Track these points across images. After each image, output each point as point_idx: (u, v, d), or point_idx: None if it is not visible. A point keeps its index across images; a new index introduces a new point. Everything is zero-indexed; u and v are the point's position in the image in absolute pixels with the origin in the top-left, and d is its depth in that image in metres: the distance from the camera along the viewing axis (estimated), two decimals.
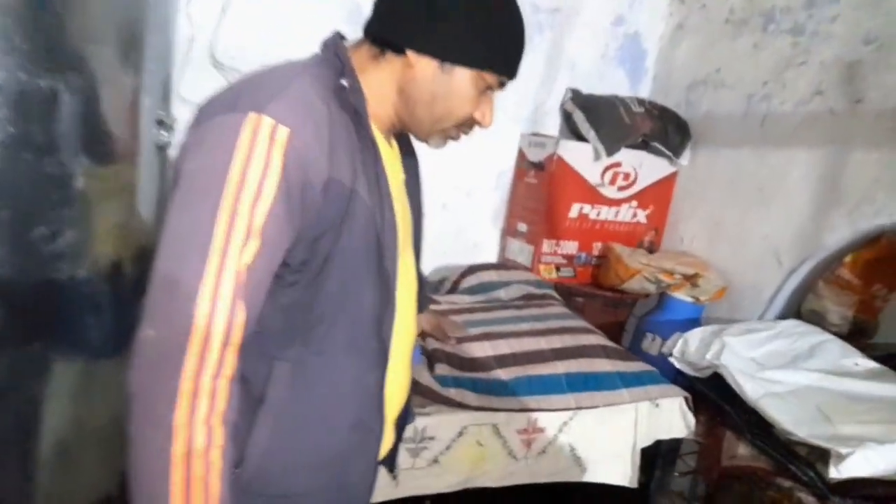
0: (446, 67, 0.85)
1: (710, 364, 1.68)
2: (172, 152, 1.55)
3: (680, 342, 1.83)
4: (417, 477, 1.43)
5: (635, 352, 2.18)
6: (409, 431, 1.38)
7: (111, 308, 1.37)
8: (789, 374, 1.62)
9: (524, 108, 2.56)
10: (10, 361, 1.22)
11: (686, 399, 1.69)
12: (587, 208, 2.45)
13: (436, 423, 1.44)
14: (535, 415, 1.52)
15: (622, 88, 2.68)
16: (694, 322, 2.11)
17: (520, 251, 2.54)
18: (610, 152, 2.33)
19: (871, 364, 1.68)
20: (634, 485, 1.65)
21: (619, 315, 2.48)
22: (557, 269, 2.47)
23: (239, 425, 0.77)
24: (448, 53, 0.84)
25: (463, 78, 0.86)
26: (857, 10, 1.86)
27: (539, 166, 2.44)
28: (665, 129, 2.39)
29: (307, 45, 0.91)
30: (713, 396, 1.67)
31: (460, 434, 1.46)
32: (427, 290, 1.64)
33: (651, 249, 2.57)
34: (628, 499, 1.72)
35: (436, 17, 0.82)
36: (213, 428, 0.72)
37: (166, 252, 0.72)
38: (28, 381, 1.27)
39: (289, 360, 0.84)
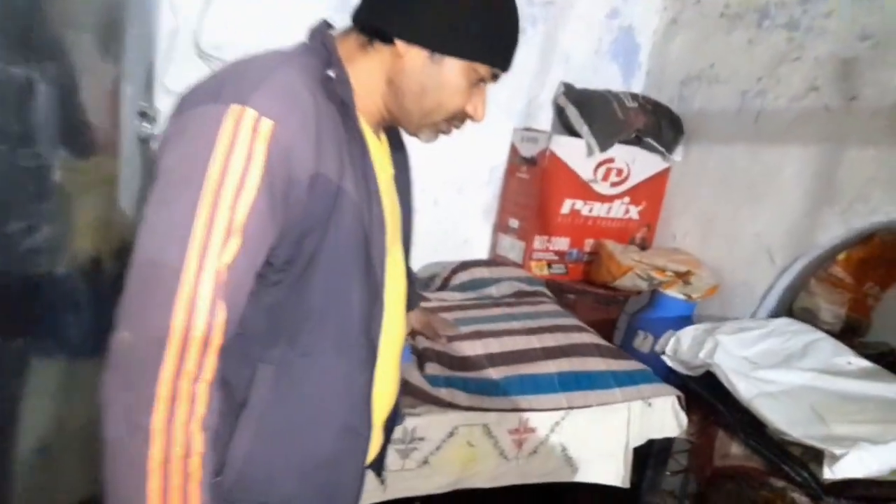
0: (436, 58, 0.81)
1: (703, 363, 1.67)
2: (156, 144, 1.50)
3: (672, 340, 1.81)
4: (406, 478, 1.40)
5: (627, 349, 2.16)
6: (398, 432, 1.36)
7: (91, 305, 1.34)
8: (782, 373, 1.61)
9: (517, 102, 2.54)
10: None
11: (679, 398, 1.67)
12: (579, 204, 2.42)
13: (426, 424, 1.41)
14: (526, 414, 1.50)
15: (615, 83, 2.65)
16: (686, 320, 2.10)
17: (511, 247, 2.51)
18: (603, 148, 2.31)
19: (864, 363, 1.67)
20: (627, 485, 1.64)
21: (610, 312, 2.46)
22: (549, 265, 2.45)
23: (220, 431, 0.74)
24: (438, 43, 0.81)
25: (454, 69, 0.82)
26: (853, 6, 1.84)
27: (531, 161, 2.41)
28: (658, 125, 2.37)
29: (295, 36, 0.88)
30: (706, 395, 1.66)
31: (451, 434, 1.43)
32: (417, 286, 1.61)
33: (643, 246, 2.56)
34: (619, 498, 1.70)
35: (426, 6, 0.79)
36: (193, 434, 0.69)
37: (143, 250, 0.69)
38: (5, 380, 1.23)
39: (273, 362, 0.81)
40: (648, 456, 1.74)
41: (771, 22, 2.11)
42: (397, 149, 1.02)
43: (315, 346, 0.82)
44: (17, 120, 1.13)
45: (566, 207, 2.40)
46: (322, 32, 0.84)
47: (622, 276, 2.26)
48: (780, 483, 1.44)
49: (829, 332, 1.83)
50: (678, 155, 2.45)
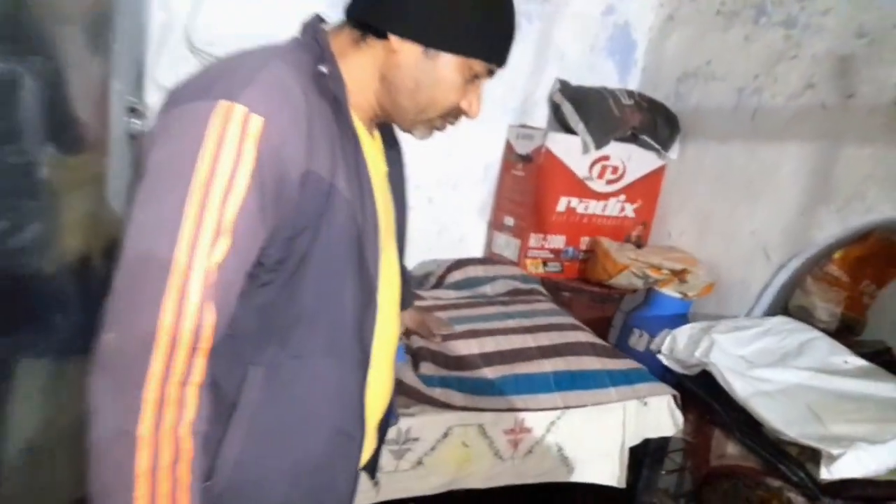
0: (431, 53, 0.80)
1: (699, 362, 1.66)
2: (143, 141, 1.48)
3: (668, 339, 1.80)
4: (400, 479, 1.39)
5: (622, 348, 2.16)
6: (392, 433, 1.35)
7: (80, 304, 1.31)
8: (779, 372, 1.60)
9: (512, 98, 2.52)
10: None
11: (675, 397, 1.66)
12: (575, 202, 2.41)
13: (420, 424, 1.39)
14: (522, 414, 1.49)
15: (611, 80, 2.64)
16: (681, 318, 2.09)
17: (506, 245, 2.50)
18: (599, 145, 2.29)
19: (860, 362, 1.67)
20: (622, 485, 1.63)
21: (606, 310, 2.45)
22: (544, 263, 2.44)
23: (209, 435, 0.72)
24: (433, 38, 0.79)
25: (449, 65, 0.81)
26: (850, 3, 1.83)
27: (527, 159, 2.39)
28: (654, 122, 2.36)
29: (289, 31, 0.86)
30: (702, 394, 1.65)
31: (445, 435, 1.42)
32: (412, 285, 1.60)
33: (639, 244, 2.55)
34: (614, 497, 1.70)
35: (421, 0, 0.77)
36: (181, 439, 0.68)
37: (129, 250, 0.67)
38: None
39: (263, 365, 0.79)
40: (644, 455, 1.73)
41: (768, 19, 2.10)
42: (391, 145, 1.00)
43: (307, 347, 0.80)
44: (2, 116, 1.11)
45: (562, 205, 2.39)
46: (314, 27, 0.82)
47: (618, 274, 2.25)
48: (776, 483, 1.44)
49: (824, 330, 1.83)
50: (674, 153, 2.44)
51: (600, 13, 2.57)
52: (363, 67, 0.82)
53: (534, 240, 2.40)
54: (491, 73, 0.85)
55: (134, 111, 1.49)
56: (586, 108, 2.32)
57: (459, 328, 1.67)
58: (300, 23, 0.85)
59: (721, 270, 2.20)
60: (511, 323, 1.75)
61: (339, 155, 0.77)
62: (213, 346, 0.69)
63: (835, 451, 1.30)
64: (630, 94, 2.43)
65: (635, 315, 2.24)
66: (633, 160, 2.44)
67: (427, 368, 1.51)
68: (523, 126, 2.50)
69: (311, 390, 0.82)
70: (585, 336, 1.76)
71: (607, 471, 1.62)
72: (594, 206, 2.45)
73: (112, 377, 0.66)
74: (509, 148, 2.51)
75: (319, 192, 0.75)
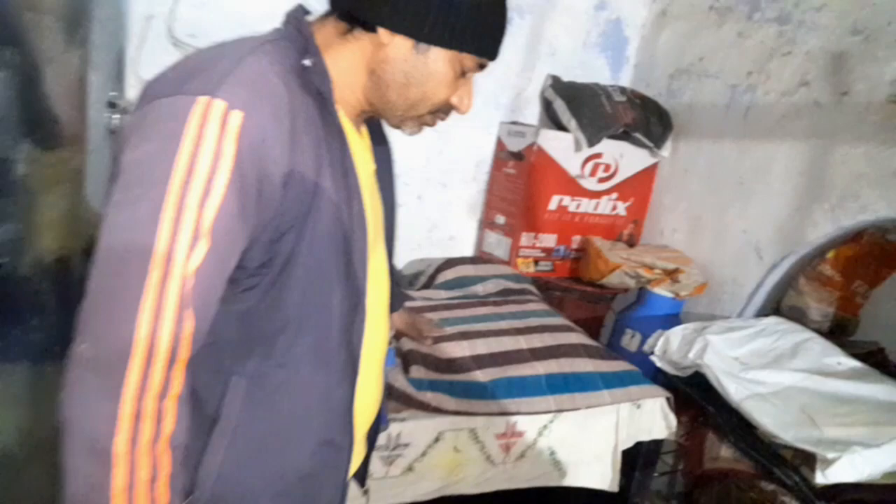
0: (422, 48, 0.76)
1: (693, 363, 1.64)
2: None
3: (661, 340, 1.78)
4: (390, 486, 1.35)
5: (614, 348, 2.14)
6: (382, 438, 1.31)
7: (57, 307, 1.26)
8: (773, 374, 1.59)
9: (503, 95, 2.49)
10: None
11: (668, 399, 1.64)
12: (567, 200, 2.38)
13: (411, 429, 1.36)
14: (513, 418, 1.46)
15: (603, 76, 2.61)
16: (674, 318, 2.08)
17: (497, 244, 2.46)
18: (591, 142, 2.27)
19: (854, 363, 1.66)
20: (615, 489, 1.61)
21: (598, 310, 2.43)
22: (536, 262, 2.41)
23: (190, 448, 0.69)
24: (425, 32, 0.75)
25: (440, 59, 0.77)
26: None
27: (518, 156, 2.36)
28: (647, 120, 2.34)
29: (273, 23, 0.82)
30: (696, 396, 1.63)
31: (436, 440, 1.39)
32: (401, 285, 1.56)
33: (631, 243, 2.52)
34: (607, 500, 1.67)
35: None
36: (159, 455, 0.64)
37: (103, 254, 0.64)
38: None
39: (246, 374, 0.76)
40: (637, 457, 1.71)
41: (761, 15, 2.08)
42: (379, 142, 0.96)
43: (292, 355, 0.77)
44: None
45: (553, 203, 2.36)
46: (297, 18, 0.78)
47: (610, 273, 2.22)
48: (770, 486, 1.43)
49: (817, 330, 1.82)
50: (666, 150, 2.42)
51: (592, 8, 2.54)
52: (350, 61, 0.78)
53: (525, 238, 2.37)
54: (482, 66, 0.82)
55: (114, 105, 1.44)
56: (578, 105, 2.29)
57: (450, 329, 1.64)
58: (284, 13, 0.81)
59: (713, 269, 2.19)
60: (503, 324, 1.72)
61: (324, 153, 0.74)
62: (192, 356, 0.66)
63: (830, 456, 1.28)
64: (622, 90, 2.41)
65: (627, 315, 2.22)
66: (626, 158, 2.42)
67: (417, 372, 1.48)
68: (515, 123, 2.47)
69: (296, 400, 0.78)
70: (578, 337, 1.74)
71: (600, 475, 1.59)
72: (586, 205, 2.42)
73: (85, 392, 0.63)
74: (500, 145, 2.48)
75: (304, 192, 0.71)
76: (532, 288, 2.17)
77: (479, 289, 2.08)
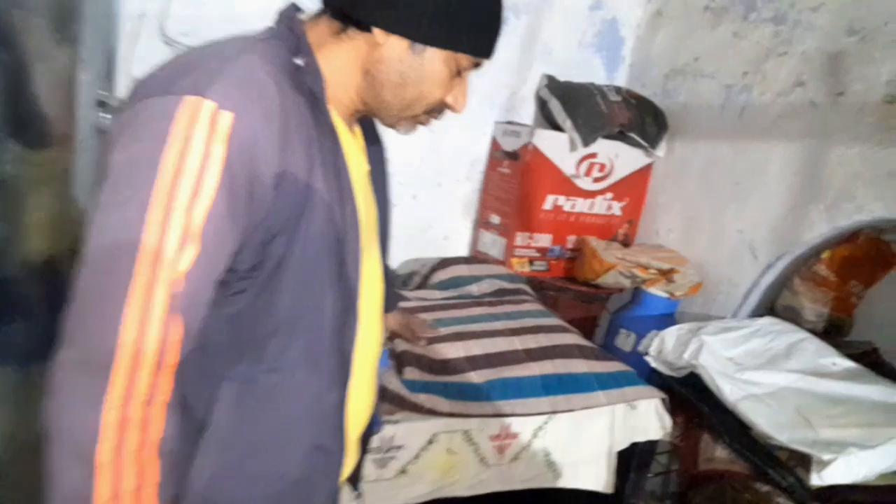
0: (417, 48, 0.75)
1: (688, 364, 1.63)
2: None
3: (656, 341, 1.78)
4: (383, 489, 1.34)
5: (609, 348, 2.13)
6: (375, 441, 1.30)
7: (44, 309, 1.25)
8: (768, 374, 1.58)
9: (498, 94, 2.47)
10: None
11: (663, 400, 1.64)
12: (562, 200, 2.37)
13: (404, 431, 1.35)
14: (508, 420, 1.45)
15: (598, 76, 2.61)
16: (669, 318, 2.07)
17: (492, 244, 2.45)
18: (587, 142, 2.26)
19: (849, 363, 1.65)
20: (610, 490, 1.60)
21: (592, 310, 2.43)
22: (531, 262, 2.40)
23: (178, 455, 0.67)
24: (421, 32, 0.74)
25: (435, 59, 0.76)
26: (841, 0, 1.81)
27: (513, 156, 2.35)
28: (642, 120, 2.33)
29: (267, 21, 0.80)
30: (690, 397, 1.63)
31: (430, 442, 1.38)
32: (395, 285, 1.55)
33: (626, 243, 2.52)
34: (602, 501, 1.66)
35: None
36: (146, 464, 0.63)
37: (90, 258, 0.63)
38: None
39: (236, 380, 0.74)
40: (631, 458, 1.70)
41: (757, 15, 2.08)
42: (372, 142, 0.95)
43: (283, 360, 0.76)
44: None
45: (548, 203, 2.35)
46: (289, 16, 0.77)
47: (605, 273, 2.22)
48: (765, 487, 1.42)
49: (811, 330, 1.82)
50: (661, 150, 2.41)
51: (588, 8, 2.53)
52: (343, 60, 0.77)
53: (520, 238, 2.36)
54: (477, 66, 0.81)
55: (103, 104, 1.42)
56: (574, 105, 2.28)
57: (445, 330, 1.63)
58: (276, 11, 0.79)
59: (708, 269, 2.18)
60: (497, 325, 1.71)
61: (316, 153, 0.72)
62: (180, 361, 0.65)
63: (826, 457, 1.28)
64: (618, 90, 2.40)
65: (622, 315, 2.22)
66: (621, 158, 2.41)
67: (411, 373, 1.47)
68: (510, 122, 2.46)
69: (287, 406, 0.77)
70: (573, 338, 1.73)
71: (595, 476, 1.59)
72: (581, 205, 2.42)
73: (69, 396, 0.61)
74: (495, 145, 2.47)
75: (295, 194, 0.70)
76: (527, 288, 2.16)
77: (474, 289, 2.07)
